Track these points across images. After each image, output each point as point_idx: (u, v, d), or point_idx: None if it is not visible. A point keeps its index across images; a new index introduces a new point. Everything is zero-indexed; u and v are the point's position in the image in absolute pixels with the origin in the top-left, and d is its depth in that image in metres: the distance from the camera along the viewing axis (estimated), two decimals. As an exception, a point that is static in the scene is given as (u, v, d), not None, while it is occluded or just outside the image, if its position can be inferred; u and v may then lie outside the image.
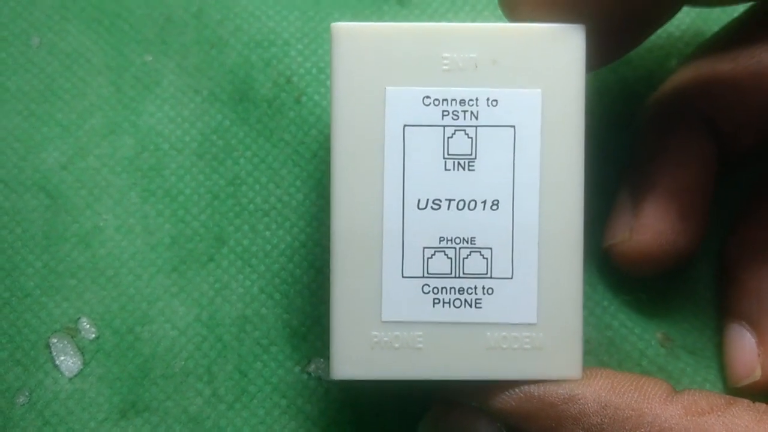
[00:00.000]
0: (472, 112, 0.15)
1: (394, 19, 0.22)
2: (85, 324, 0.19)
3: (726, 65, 0.17)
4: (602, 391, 0.14)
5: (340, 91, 0.15)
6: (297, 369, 0.18)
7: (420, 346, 0.15)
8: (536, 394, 0.14)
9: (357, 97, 0.15)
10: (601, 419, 0.13)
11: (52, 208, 0.20)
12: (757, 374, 0.16)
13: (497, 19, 0.21)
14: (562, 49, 0.14)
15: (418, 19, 0.22)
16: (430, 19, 0.22)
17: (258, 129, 0.21)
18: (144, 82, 0.22)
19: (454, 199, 0.15)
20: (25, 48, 0.22)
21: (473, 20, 0.22)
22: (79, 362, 0.19)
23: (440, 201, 0.15)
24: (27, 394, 0.18)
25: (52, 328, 0.19)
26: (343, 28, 0.15)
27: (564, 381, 0.15)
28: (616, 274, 0.19)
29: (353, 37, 0.15)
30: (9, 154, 0.21)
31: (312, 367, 0.19)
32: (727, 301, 0.18)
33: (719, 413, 0.13)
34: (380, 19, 0.22)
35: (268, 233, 0.20)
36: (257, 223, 0.20)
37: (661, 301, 0.19)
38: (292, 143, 0.21)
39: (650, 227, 0.17)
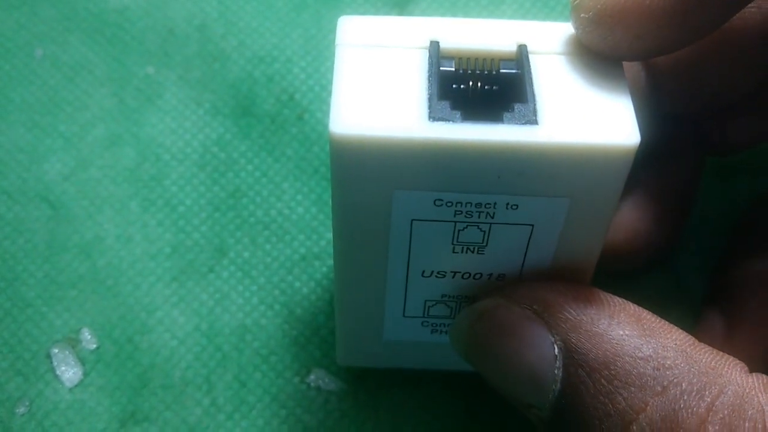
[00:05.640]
0: (488, 213, 0.13)
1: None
2: (86, 334, 0.19)
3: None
4: (685, 345, 0.13)
5: (341, 190, 0.13)
6: (296, 379, 0.19)
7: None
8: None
9: (360, 198, 0.13)
10: (680, 371, 0.12)
11: (54, 219, 0.21)
12: None
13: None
14: (604, 166, 0.12)
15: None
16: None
17: (260, 143, 0.22)
18: (146, 94, 0.22)
19: (459, 272, 0.14)
20: (28, 60, 0.22)
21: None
22: (79, 372, 0.19)
23: (445, 272, 0.14)
24: (27, 404, 0.18)
25: (53, 339, 0.19)
26: (342, 140, 0.12)
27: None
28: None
29: (354, 148, 0.12)
30: (12, 165, 0.21)
31: (311, 377, 0.19)
32: (712, 292, 0.18)
33: None
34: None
35: (268, 246, 0.20)
36: (257, 235, 0.20)
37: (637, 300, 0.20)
38: (293, 158, 0.21)
39: (625, 227, 0.18)
